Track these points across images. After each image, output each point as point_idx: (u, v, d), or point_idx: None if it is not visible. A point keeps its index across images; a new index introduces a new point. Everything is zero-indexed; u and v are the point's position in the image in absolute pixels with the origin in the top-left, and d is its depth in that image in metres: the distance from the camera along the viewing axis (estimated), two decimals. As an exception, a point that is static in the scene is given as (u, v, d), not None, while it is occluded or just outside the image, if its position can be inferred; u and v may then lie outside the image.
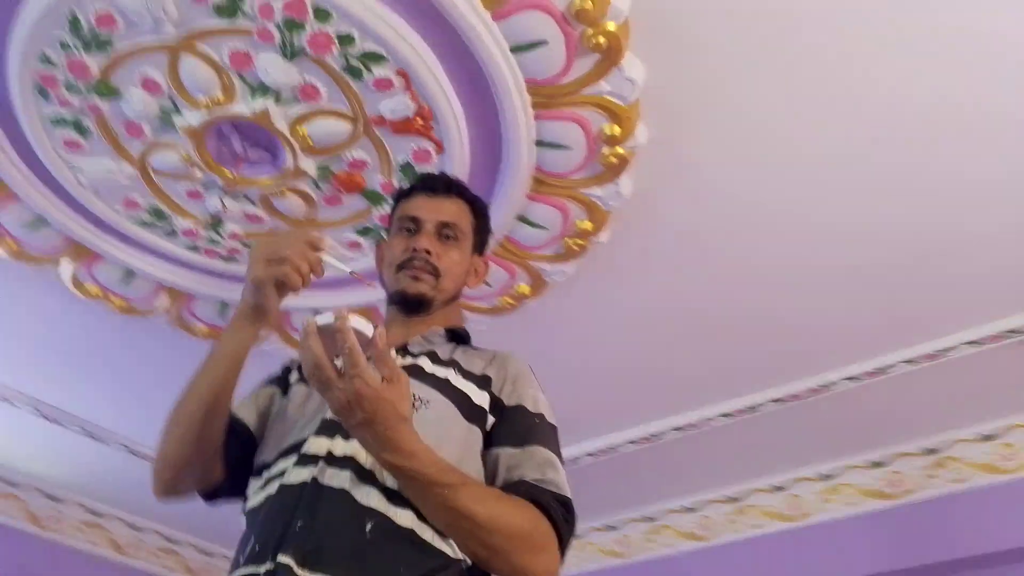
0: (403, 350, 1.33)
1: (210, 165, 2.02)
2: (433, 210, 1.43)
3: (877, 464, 3.15)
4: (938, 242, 2.20)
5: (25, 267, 2.34)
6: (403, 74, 1.79)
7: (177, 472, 1.26)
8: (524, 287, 2.39)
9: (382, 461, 1.05)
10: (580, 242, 2.22)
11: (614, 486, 3.43)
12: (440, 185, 1.49)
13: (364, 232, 2.22)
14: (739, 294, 2.41)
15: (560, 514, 1.14)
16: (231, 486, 1.30)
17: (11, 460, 3.38)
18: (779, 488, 3.34)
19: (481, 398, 1.25)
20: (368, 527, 1.08)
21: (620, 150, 1.96)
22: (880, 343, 2.58)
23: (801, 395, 2.80)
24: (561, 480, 1.19)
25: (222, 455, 1.28)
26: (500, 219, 2.09)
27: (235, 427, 1.30)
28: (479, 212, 1.51)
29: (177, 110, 1.90)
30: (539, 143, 1.95)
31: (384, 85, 1.81)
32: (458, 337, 1.42)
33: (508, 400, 1.26)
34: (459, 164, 1.97)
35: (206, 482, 1.29)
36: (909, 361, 2.61)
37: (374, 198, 2.11)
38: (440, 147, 1.95)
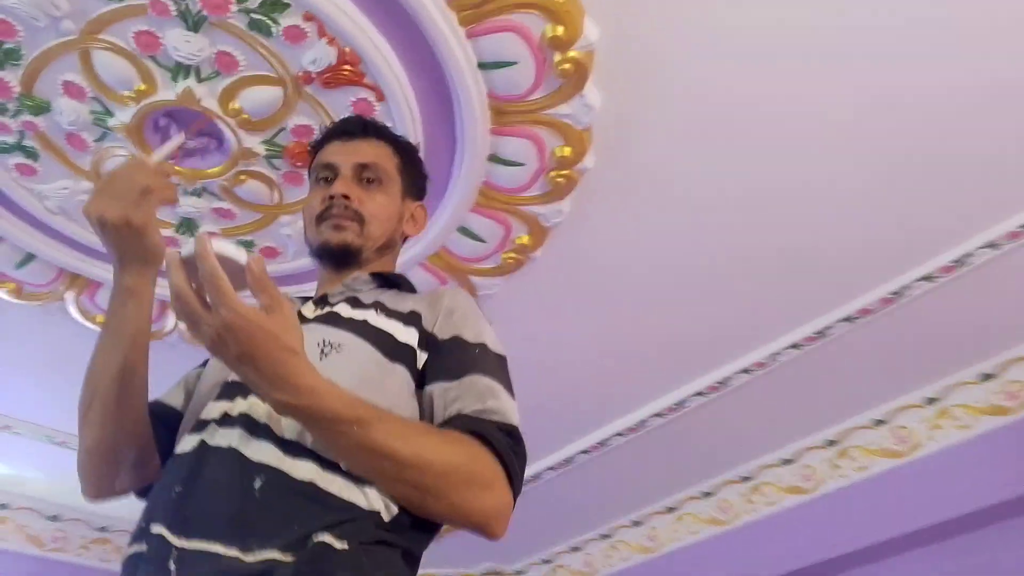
0: (322, 300, 1.21)
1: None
2: (349, 153, 1.31)
3: (988, 376, 2.75)
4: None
5: (31, 306, 2.34)
6: (312, 18, 1.64)
7: (103, 464, 1.14)
8: (524, 237, 2.19)
9: (275, 403, 0.91)
10: (563, 174, 2.00)
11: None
12: (354, 127, 1.36)
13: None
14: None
15: (506, 445, 1.01)
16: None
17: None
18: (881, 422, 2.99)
19: (407, 335, 1.12)
20: (257, 485, 0.94)
21: None
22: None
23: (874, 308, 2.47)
24: (505, 408, 1.05)
25: (157, 448, 1.15)
26: (469, 161, 1.93)
27: (165, 416, 1.18)
28: (404, 152, 1.37)
29: (107, 111, 1.83)
30: (482, 64, 1.76)
31: (296, 36, 1.67)
32: (389, 282, 1.28)
33: (442, 333, 1.13)
34: (404, 108, 1.80)
35: (143, 478, 1.16)
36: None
37: (332, 166, 1.97)
38: (379, 93, 1.79)
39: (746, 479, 3.32)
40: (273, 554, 0.90)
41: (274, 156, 1.94)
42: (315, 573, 0.90)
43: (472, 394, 1.05)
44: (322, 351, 1.07)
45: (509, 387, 1.11)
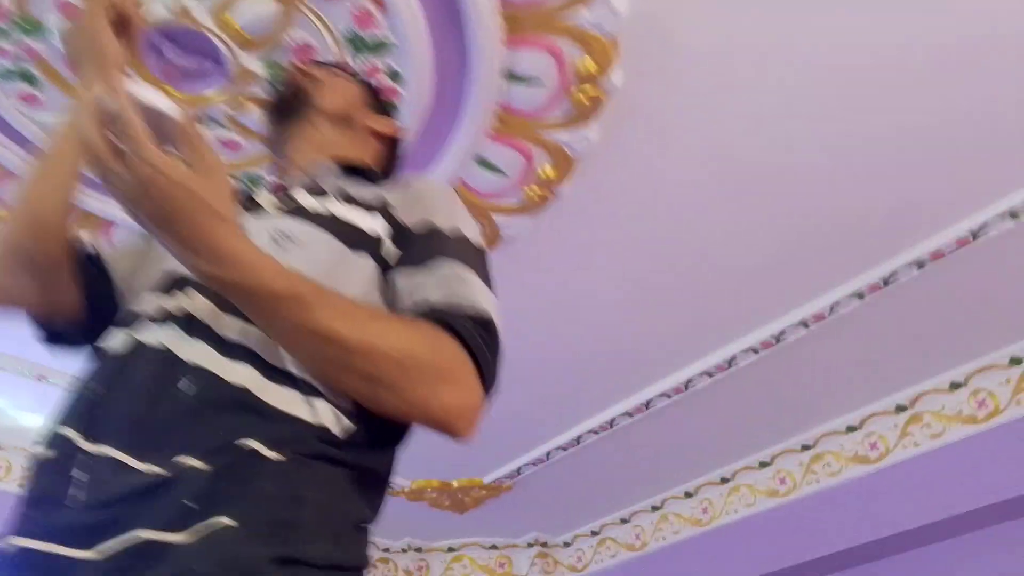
0: (278, 188, 1.11)
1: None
2: None
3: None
4: None
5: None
6: (303, -84, 1.51)
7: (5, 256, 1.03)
8: (547, 169, 2.02)
9: (202, 274, 0.79)
10: (588, 92, 1.82)
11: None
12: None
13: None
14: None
15: (476, 335, 0.89)
16: (83, 333, 1.05)
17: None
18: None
19: (373, 223, 1.00)
20: (183, 387, 0.82)
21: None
22: None
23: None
24: (477, 296, 0.93)
25: (80, 284, 1.05)
26: (482, 77, 1.78)
27: (97, 262, 1.08)
28: (365, 83, 1.36)
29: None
30: None
31: (288, -63, 1.54)
32: (353, 169, 1.18)
33: (412, 220, 1.01)
34: (409, 17, 1.66)
35: (47, 301, 1.05)
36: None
37: (337, 86, 1.84)
38: (381, 2, 1.65)
39: (806, 447, 3.09)
40: (188, 461, 0.77)
41: (277, 79, 1.82)
42: (233, 482, 0.76)
43: (440, 281, 0.93)
44: (275, 242, 0.95)
45: (486, 279, 0.98)
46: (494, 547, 4.03)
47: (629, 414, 2.97)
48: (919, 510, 2.68)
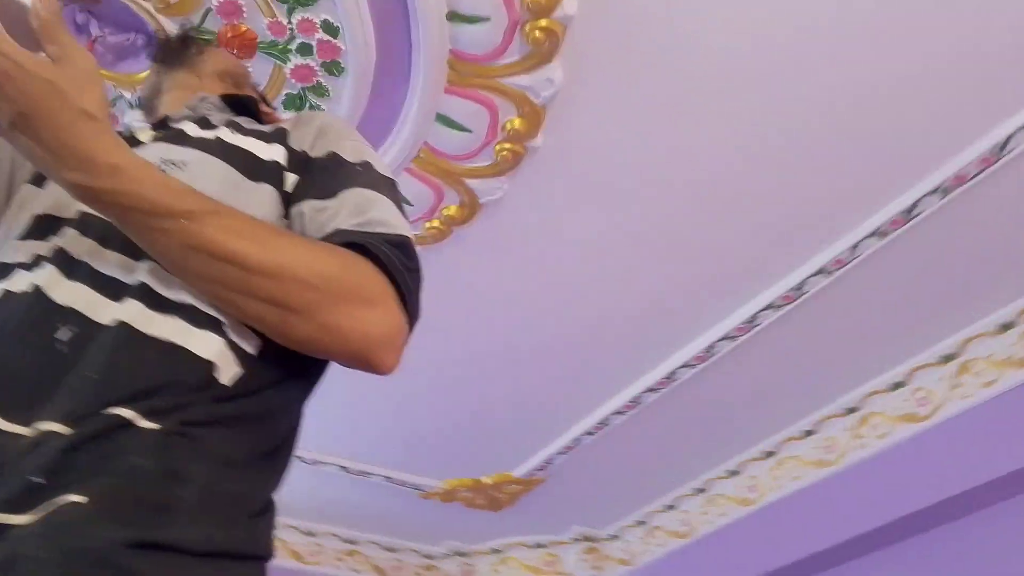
0: (161, 124, 1.01)
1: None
2: None
3: None
4: None
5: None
6: None
7: None
8: (515, 120, 1.87)
9: (71, 186, 0.69)
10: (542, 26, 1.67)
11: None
12: None
13: (292, 102, 1.84)
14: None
15: (393, 257, 0.81)
16: None
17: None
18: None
19: (271, 152, 0.93)
20: (59, 335, 0.72)
21: None
22: None
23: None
24: (391, 219, 0.86)
25: None
26: (426, 24, 1.64)
27: None
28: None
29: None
30: None
31: None
32: (242, 106, 1.11)
33: (316, 151, 0.94)
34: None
35: None
36: None
37: (275, 51, 1.73)
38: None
39: (852, 410, 2.85)
40: (49, 425, 0.66)
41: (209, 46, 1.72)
42: (94, 454, 0.66)
43: (351, 209, 0.85)
44: (161, 170, 0.83)
45: (399, 205, 0.91)
46: (539, 545, 3.86)
47: (653, 389, 2.78)
48: (982, 465, 2.42)
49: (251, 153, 0.92)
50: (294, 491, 3.43)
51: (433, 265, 2.25)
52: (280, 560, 3.65)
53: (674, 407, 2.88)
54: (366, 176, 0.91)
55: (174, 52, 1.23)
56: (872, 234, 2.16)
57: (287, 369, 0.81)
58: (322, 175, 0.91)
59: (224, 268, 0.72)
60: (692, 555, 3.41)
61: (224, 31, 1.69)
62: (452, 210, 2.07)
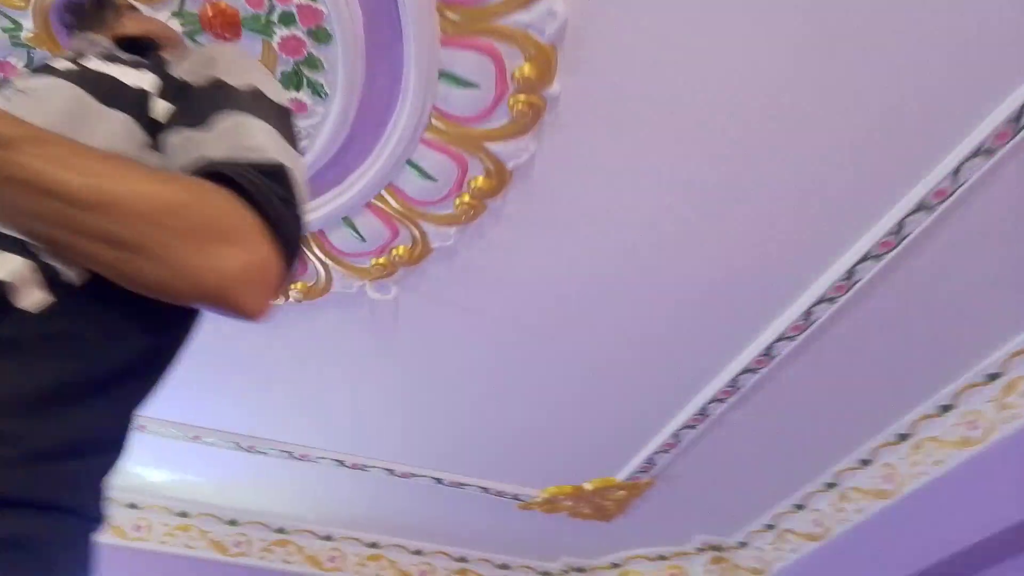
0: (45, 67, 0.93)
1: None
2: None
3: None
4: None
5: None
6: None
7: None
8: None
9: None
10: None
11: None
12: None
13: (290, 79, 1.74)
14: None
15: (261, 184, 0.71)
16: None
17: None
18: None
19: (141, 79, 0.85)
20: None
21: None
22: None
23: None
24: (269, 143, 0.76)
25: None
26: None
27: None
28: None
29: (15, 24, 1.66)
30: None
31: None
32: (138, 47, 1.04)
33: (198, 79, 0.85)
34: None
35: None
36: None
37: (258, 26, 1.64)
38: None
39: (995, 376, 2.42)
40: None
41: (194, 31, 1.66)
42: None
43: (221, 134, 0.76)
44: (6, 99, 0.80)
45: (286, 133, 0.81)
46: (662, 557, 3.57)
47: (751, 370, 2.48)
48: None
49: (114, 79, 0.84)
50: (390, 507, 3.33)
51: (481, 251, 2.10)
52: (390, 582, 3.55)
53: (780, 389, 2.56)
54: (249, 101, 0.81)
55: (89, 16, 1.18)
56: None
57: (127, 307, 0.71)
58: (199, 102, 0.81)
59: (43, 201, 0.63)
60: (829, 558, 3.03)
61: (204, 11, 1.62)
62: (480, 181, 1.91)
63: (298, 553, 3.49)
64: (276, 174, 0.73)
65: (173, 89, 0.85)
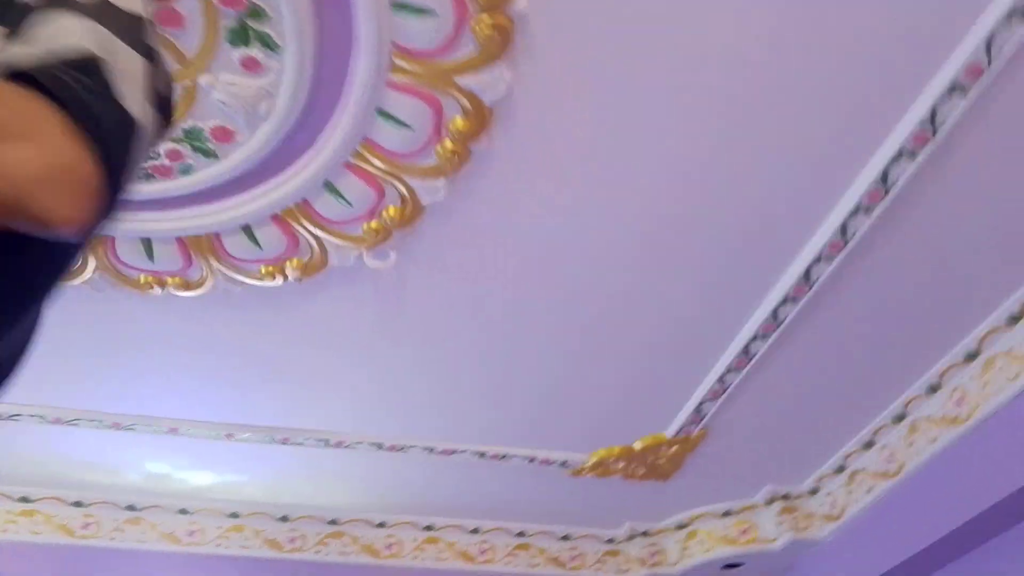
0: None
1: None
2: None
3: None
4: None
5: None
6: None
7: None
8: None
9: None
10: None
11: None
12: None
13: (238, 35, 1.61)
14: None
15: (64, 75, 0.62)
16: None
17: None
18: None
19: None
20: None
21: None
22: None
23: None
24: (75, 32, 0.67)
25: None
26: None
27: None
28: None
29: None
30: None
31: None
32: None
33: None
34: None
35: None
36: None
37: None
38: None
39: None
40: None
41: None
42: None
43: (30, 37, 0.67)
44: None
45: (128, 37, 0.72)
46: (728, 513, 3.39)
47: (792, 299, 2.28)
48: None
49: None
50: (440, 488, 3.24)
51: (478, 205, 1.97)
52: (450, 562, 3.46)
53: (826, 321, 2.36)
54: (85, 7, 0.71)
55: None
56: None
57: None
58: (30, 18, 0.71)
59: None
60: (907, 496, 2.81)
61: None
62: (458, 123, 1.76)
63: (353, 544, 3.43)
64: (85, 65, 0.65)
65: (12, 14, 0.74)
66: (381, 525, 3.46)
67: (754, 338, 2.41)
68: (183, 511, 3.32)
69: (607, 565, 3.57)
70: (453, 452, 2.98)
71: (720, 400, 2.70)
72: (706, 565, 3.43)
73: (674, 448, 2.95)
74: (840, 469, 3.09)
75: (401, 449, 2.95)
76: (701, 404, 2.72)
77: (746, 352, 2.47)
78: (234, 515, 3.36)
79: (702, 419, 2.80)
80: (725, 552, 3.36)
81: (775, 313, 2.32)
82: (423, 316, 2.33)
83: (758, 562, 3.41)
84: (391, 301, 2.27)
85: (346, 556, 3.40)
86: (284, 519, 3.39)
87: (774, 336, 2.40)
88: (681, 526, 3.49)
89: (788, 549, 3.27)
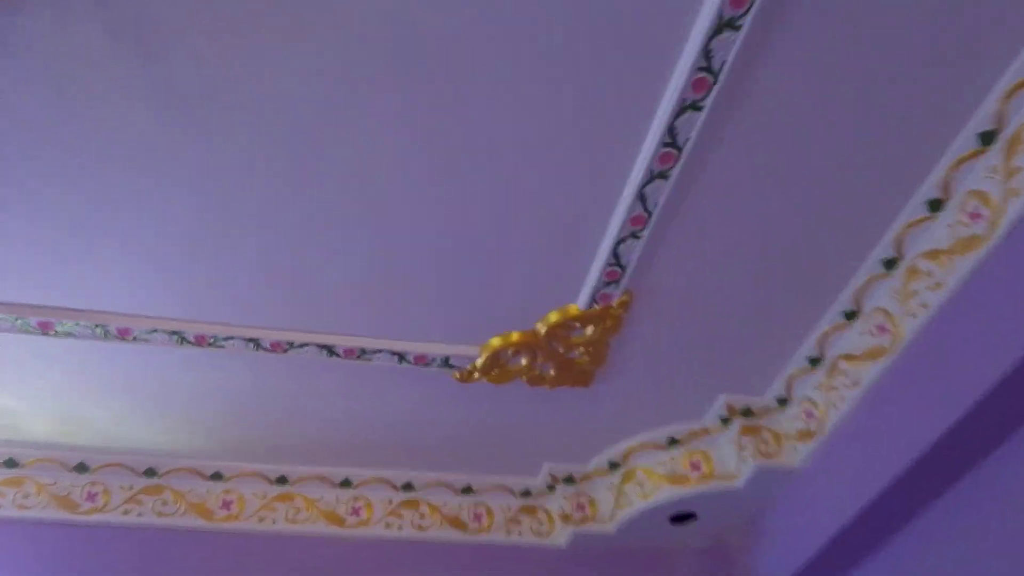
0: None
1: None
2: None
3: None
4: None
5: None
6: None
7: None
8: None
9: None
10: None
11: None
12: None
13: None
14: None
15: None
16: None
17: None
18: None
19: None
20: None
21: None
22: None
23: None
24: None
25: None
26: None
27: None
28: None
29: None
30: None
31: None
32: None
33: None
34: None
35: None
36: None
37: None
38: None
39: None
40: None
41: None
42: None
43: None
44: None
45: None
46: (674, 441, 2.58)
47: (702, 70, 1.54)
48: None
49: None
50: (286, 420, 2.41)
51: None
52: (310, 525, 2.60)
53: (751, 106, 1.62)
54: None
55: None
56: None
57: None
58: None
59: None
60: (906, 371, 2.04)
61: None
62: None
63: (177, 501, 2.56)
64: None
65: None
66: (216, 477, 2.61)
67: (661, 143, 1.66)
68: (-67, 459, 2.46)
69: (522, 525, 2.73)
70: (289, 346, 2.17)
71: (638, 249, 1.93)
72: (648, 516, 2.61)
73: (590, 329, 2.16)
74: (814, 361, 2.31)
75: (212, 343, 2.13)
76: (616, 251, 1.94)
77: (672, 143, 1.72)
78: (10, 463, 2.49)
79: (620, 277, 2.02)
80: (671, 496, 2.54)
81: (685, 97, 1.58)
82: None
83: (715, 509, 2.60)
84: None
85: (167, 517, 2.53)
86: (81, 469, 2.53)
87: (694, 135, 1.65)
88: (614, 465, 2.67)
89: (754, 485, 2.46)
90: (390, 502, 2.67)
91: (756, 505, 2.61)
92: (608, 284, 2.04)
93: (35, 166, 1.67)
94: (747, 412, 2.47)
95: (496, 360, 2.25)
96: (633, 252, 1.94)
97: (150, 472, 2.55)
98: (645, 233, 1.90)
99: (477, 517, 2.71)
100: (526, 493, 2.77)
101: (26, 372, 2.20)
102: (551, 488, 2.75)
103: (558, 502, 2.73)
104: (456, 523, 2.68)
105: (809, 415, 2.38)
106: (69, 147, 1.64)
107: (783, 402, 2.45)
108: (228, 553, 2.49)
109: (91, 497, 2.49)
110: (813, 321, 2.24)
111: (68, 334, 2.07)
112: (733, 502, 2.57)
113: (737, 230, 1.94)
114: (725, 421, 2.49)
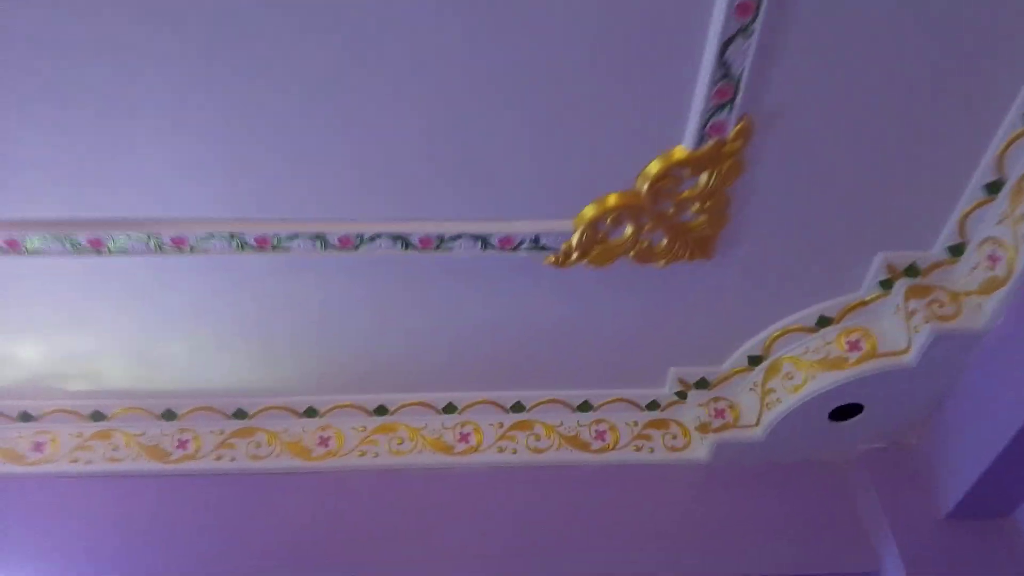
0: None
1: None
2: None
3: None
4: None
5: None
6: None
7: None
8: None
9: None
10: None
11: None
12: None
13: None
14: None
15: None
16: None
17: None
18: None
19: None
20: None
21: None
22: None
23: None
24: None
25: None
26: None
27: None
28: None
29: None
30: None
31: None
32: None
33: None
34: None
35: None
36: None
37: None
38: None
39: None
40: None
41: None
42: None
43: None
44: None
45: None
46: (825, 320, 2.16)
47: None
48: None
49: None
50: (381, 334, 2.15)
51: None
52: (415, 455, 2.34)
53: None
54: None
55: None
56: None
57: None
58: None
59: None
60: None
61: None
62: None
63: (272, 442, 2.36)
64: None
65: None
66: (310, 413, 2.39)
67: None
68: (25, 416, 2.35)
69: (653, 441, 2.38)
70: (360, 241, 1.90)
71: (751, 49, 1.54)
72: (802, 413, 2.20)
73: (704, 176, 1.79)
74: (993, 187, 1.85)
75: (275, 246, 1.89)
76: (723, 56, 1.56)
77: None
78: (96, 416, 2.36)
79: (735, 94, 1.64)
80: (828, 384, 2.12)
81: None
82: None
83: (884, 396, 2.16)
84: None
85: (262, 460, 2.33)
86: (168, 416, 2.37)
87: None
88: (754, 358, 2.27)
89: (930, 359, 2.01)
90: (500, 425, 2.38)
91: (935, 387, 2.15)
92: (719, 108, 1.66)
93: (62, 75, 1.47)
94: (912, 271, 2.02)
95: (595, 234, 1.91)
96: (746, 54, 1.56)
97: (239, 414, 2.36)
98: (756, 26, 1.51)
99: (600, 435, 2.37)
100: (653, 405, 2.41)
101: (92, 305, 2.04)
102: (681, 395, 2.37)
103: (692, 411, 2.36)
104: (576, 443, 2.36)
105: (993, 259, 1.91)
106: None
107: (957, 250, 1.99)
108: (330, 493, 2.27)
109: (182, 444, 2.33)
110: (987, 137, 1.78)
111: (122, 251, 1.88)
112: (905, 385, 2.12)
113: (882, 21, 1.53)
114: (886, 285, 2.05)
